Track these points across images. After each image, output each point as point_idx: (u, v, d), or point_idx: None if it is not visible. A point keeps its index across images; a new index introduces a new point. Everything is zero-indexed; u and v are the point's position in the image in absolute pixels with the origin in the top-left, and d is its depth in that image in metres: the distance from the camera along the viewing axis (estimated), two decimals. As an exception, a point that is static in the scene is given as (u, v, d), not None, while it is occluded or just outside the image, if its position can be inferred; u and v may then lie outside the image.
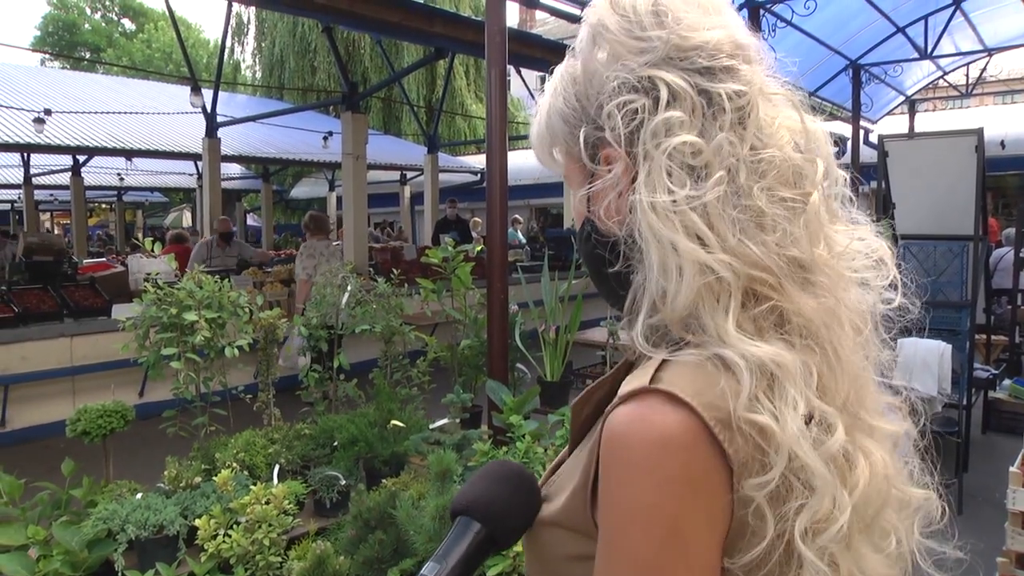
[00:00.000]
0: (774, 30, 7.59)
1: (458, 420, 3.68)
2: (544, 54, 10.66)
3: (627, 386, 0.78)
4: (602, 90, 0.84)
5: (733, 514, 0.73)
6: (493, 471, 0.95)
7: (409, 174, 20.32)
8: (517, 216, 16.67)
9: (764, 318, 0.75)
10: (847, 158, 10.25)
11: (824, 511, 0.72)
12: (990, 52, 11.58)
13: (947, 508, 0.89)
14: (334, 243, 8.30)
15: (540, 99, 0.96)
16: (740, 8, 7.09)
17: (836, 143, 0.87)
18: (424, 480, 3.07)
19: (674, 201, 0.76)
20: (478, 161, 20.57)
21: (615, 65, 0.83)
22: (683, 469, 0.71)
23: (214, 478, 3.13)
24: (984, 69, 13.56)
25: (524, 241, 15.45)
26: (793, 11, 7.71)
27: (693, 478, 0.71)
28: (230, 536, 2.75)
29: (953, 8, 9.32)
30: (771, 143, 0.79)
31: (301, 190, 25.99)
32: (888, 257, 0.85)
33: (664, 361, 0.77)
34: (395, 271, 4.70)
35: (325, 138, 16.37)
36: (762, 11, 7.33)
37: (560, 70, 0.92)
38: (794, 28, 8.00)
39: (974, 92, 14.94)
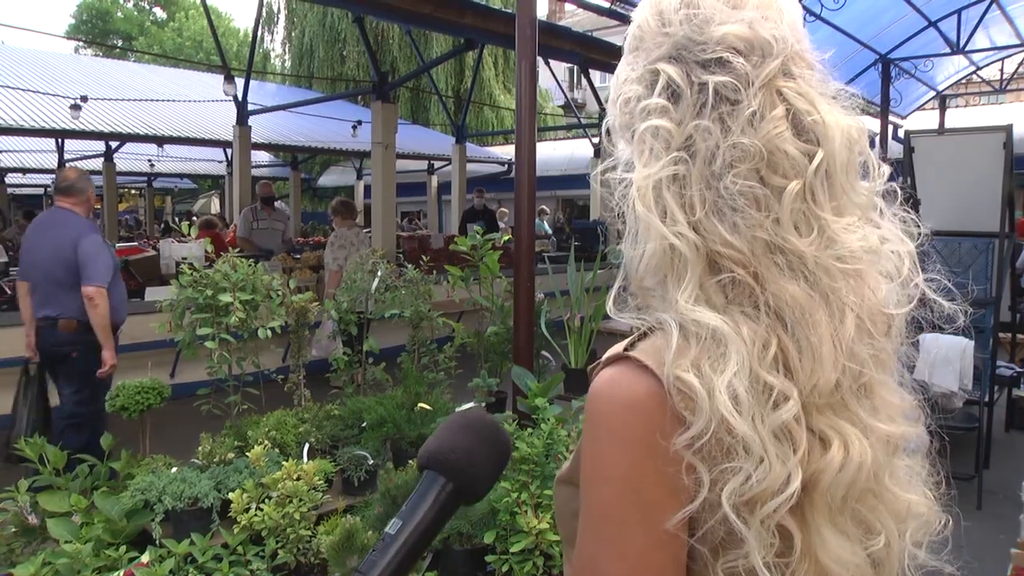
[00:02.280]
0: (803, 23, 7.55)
1: (483, 404, 3.76)
2: (573, 46, 10.68)
3: (609, 352, 0.84)
4: (622, 80, 0.92)
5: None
6: (455, 421, 0.94)
7: (437, 164, 20.40)
8: (543, 207, 16.72)
9: (733, 291, 0.79)
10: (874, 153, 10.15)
11: (767, 480, 0.73)
12: (1027, 46, 11.39)
13: (952, 518, 0.90)
14: (363, 231, 8.37)
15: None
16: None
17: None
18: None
19: (645, 176, 0.82)
20: (505, 152, 20.60)
21: (640, 60, 0.89)
22: (643, 431, 0.76)
23: (246, 454, 3.23)
24: (1021, 64, 13.35)
25: (550, 232, 15.50)
26: (823, 5, 7.68)
27: (653, 441, 0.75)
28: (262, 510, 2.85)
29: (989, 1, 9.19)
30: (760, 132, 0.80)
31: (329, 178, 26.16)
32: (907, 256, 0.86)
33: (649, 330, 0.83)
34: (424, 258, 4.77)
35: (354, 127, 16.46)
36: (792, 5, 7.29)
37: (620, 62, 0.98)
38: (823, 22, 7.96)
39: (1009, 88, 14.72)
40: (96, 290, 4.43)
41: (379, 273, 4.27)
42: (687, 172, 0.81)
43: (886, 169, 0.89)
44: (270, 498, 2.91)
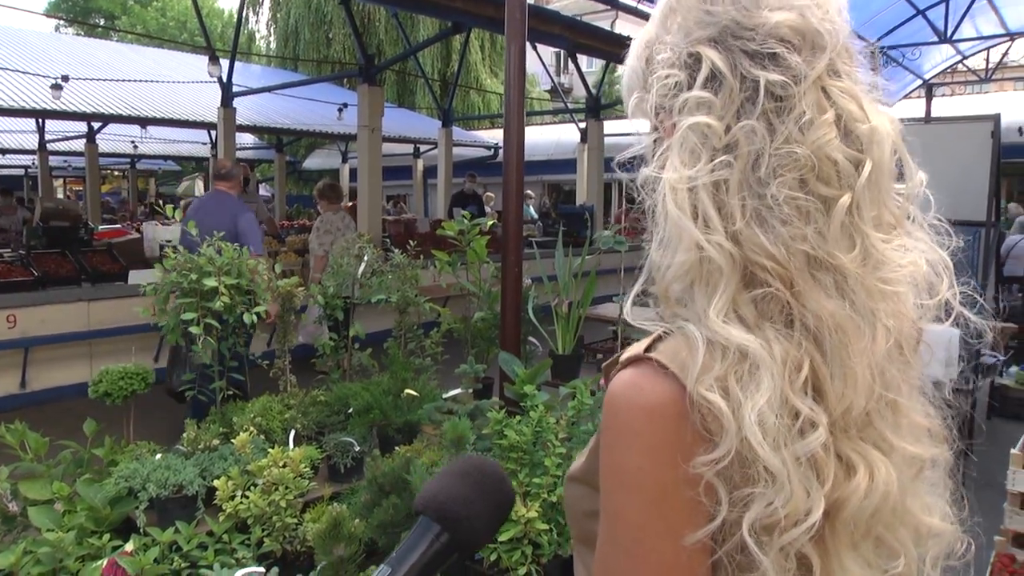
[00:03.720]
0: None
1: (470, 391, 3.75)
2: (562, 30, 10.64)
3: (628, 352, 0.80)
4: (658, 59, 0.84)
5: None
6: (457, 467, 0.90)
7: (422, 147, 20.30)
8: (529, 192, 16.67)
9: (766, 305, 0.74)
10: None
11: (789, 508, 0.70)
12: (1012, 36, 11.49)
13: (971, 542, 0.88)
14: (349, 215, 8.31)
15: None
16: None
17: None
18: (437, 448, 3.13)
19: (682, 178, 0.76)
20: (492, 136, 20.55)
21: (676, 35, 0.82)
22: (666, 437, 0.73)
23: (232, 441, 3.21)
24: (1005, 54, 13.43)
25: (536, 217, 15.48)
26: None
27: (676, 447, 0.72)
28: (247, 497, 2.82)
29: (976, -9, 9.24)
30: (809, 138, 0.75)
31: (314, 161, 26.01)
32: (944, 270, 0.82)
33: (666, 332, 0.80)
34: (411, 242, 4.74)
35: (340, 110, 16.35)
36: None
37: (644, 28, 0.91)
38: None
39: (994, 77, 14.81)
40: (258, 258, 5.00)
41: (365, 258, 4.24)
42: (728, 176, 0.75)
43: (923, 175, 0.84)
44: (256, 485, 2.89)
